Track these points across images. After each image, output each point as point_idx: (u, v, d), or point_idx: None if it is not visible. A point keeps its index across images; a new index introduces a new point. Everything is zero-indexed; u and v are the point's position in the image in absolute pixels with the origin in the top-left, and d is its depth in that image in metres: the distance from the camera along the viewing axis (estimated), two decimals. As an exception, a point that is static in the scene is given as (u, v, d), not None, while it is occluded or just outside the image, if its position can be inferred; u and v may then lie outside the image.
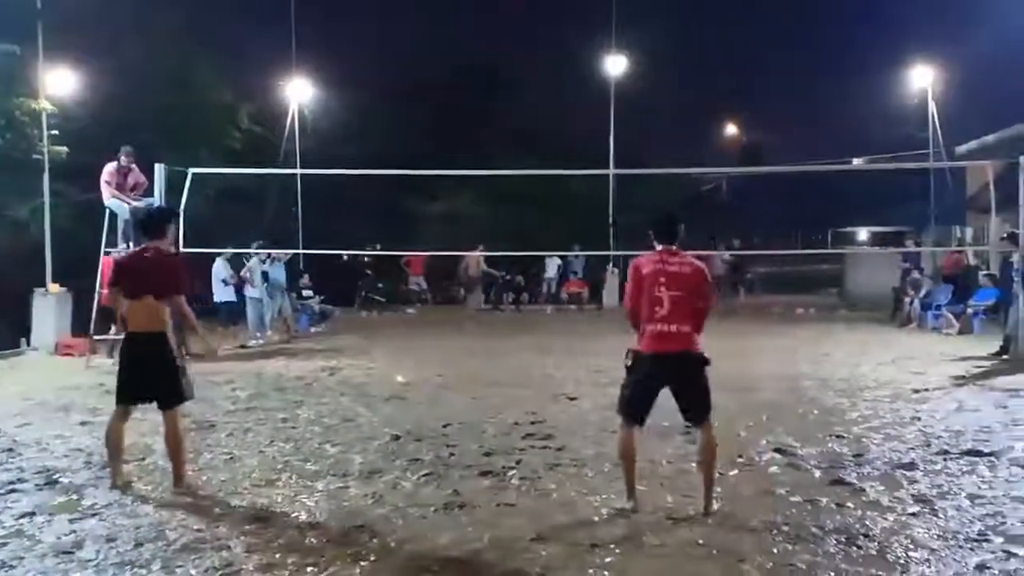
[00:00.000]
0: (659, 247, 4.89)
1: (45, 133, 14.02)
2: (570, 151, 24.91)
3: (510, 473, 5.66)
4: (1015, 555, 4.15)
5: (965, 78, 25.48)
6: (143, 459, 6.00)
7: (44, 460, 6.08)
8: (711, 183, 38.02)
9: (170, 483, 5.40)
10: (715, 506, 4.80)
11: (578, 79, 27.15)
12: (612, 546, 4.27)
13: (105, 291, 5.59)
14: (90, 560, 4.17)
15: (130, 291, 5.32)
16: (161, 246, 5.46)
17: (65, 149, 14.39)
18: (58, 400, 8.49)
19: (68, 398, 8.59)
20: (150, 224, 5.58)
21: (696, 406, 4.82)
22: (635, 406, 4.82)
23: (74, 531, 4.58)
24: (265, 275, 14.32)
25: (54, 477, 5.63)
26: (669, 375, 4.75)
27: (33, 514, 4.86)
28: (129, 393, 5.36)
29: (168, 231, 5.52)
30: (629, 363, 4.83)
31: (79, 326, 12.55)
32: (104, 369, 10.70)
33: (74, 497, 5.19)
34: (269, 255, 14.76)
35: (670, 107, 34.12)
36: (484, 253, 21.28)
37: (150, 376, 5.27)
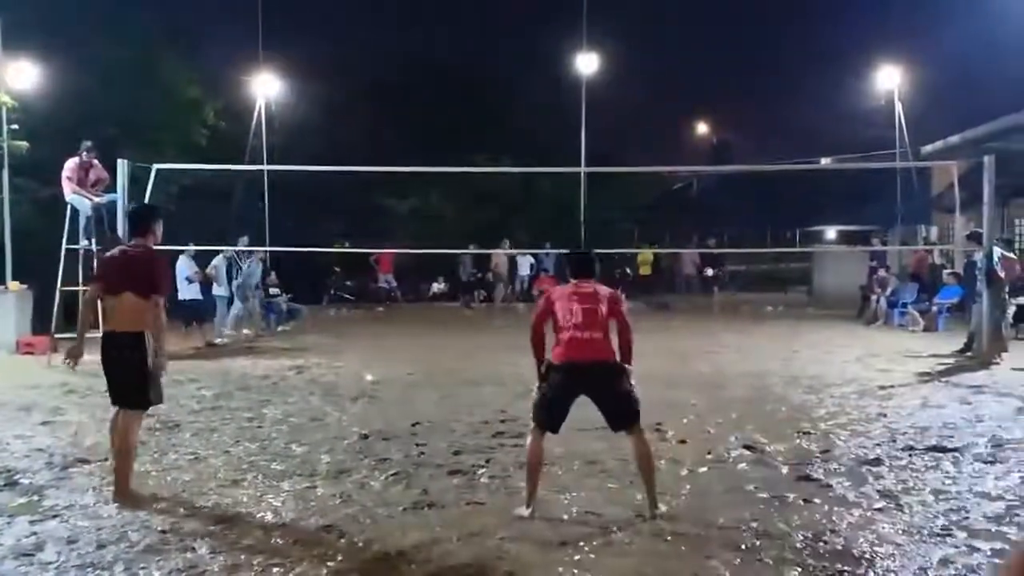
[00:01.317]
0: (574, 281, 4.94)
1: (5, 127, 13.73)
2: (542, 149, 24.93)
3: (480, 472, 5.64)
4: (978, 549, 4.20)
5: (931, 79, 25.92)
6: (105, 459, 5.89)
7: (4, 461, 5.95)
8: (682, 182, 38.29)
9: (137, 484, 5.23)
10: (662, 507, 4.73)
11: (551, 78, 27.21)
12: (581, 544, 4.26)
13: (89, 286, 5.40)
14: (51, 562, 4.09)
15: (111, 287, 5.17)
16: (148, 243, 5.33)
17: (26, 144, 14.10)
18: (19, 400, 8.31)
19: (29, 398, 8.42)
20: (136, 221, 5.45)
21: (616, 413, 4.75)
22: (547, 416, 4.77)
23: (35, 533, 4.48)
24: (232, 272, 14.17)
25: (14, 478, 5.51)
26: (583, 384, 4.70)
27: (-9, 516, 4.76)
28: (114, 397, 5.17)
29: (155, 229, 5.37)
30: (543, 371, 4.81)
31: (41, 324, 12.32)
32: (66, 368, 10.48)
33: (35, 498, 5.08)
34: (250, 254, 14.65)
35: (642, 106, 34.31)
36: (511, 251, 21.25)
37: (121, 377, 5.07)
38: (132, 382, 5.02)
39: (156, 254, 5.37)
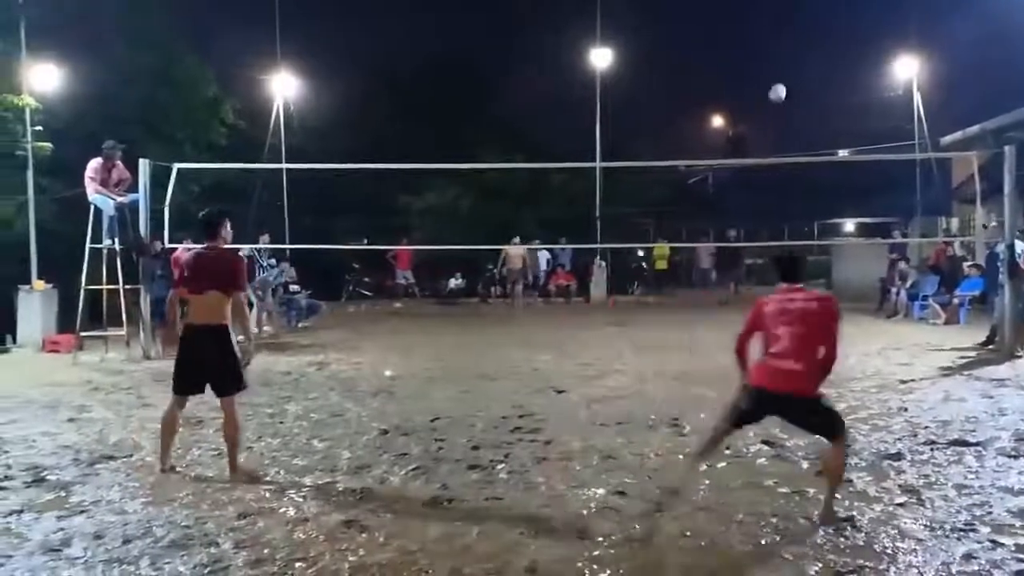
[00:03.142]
0: (783, 285, 4.75)
1: (29, 129, 13.90)
2: (557, 144, 24.92)
3: (498, 467, 5.66)
4: (1001, 544, 4.18)
5: (950, 69, 25.62)
6: (131, 456, 5.98)
7: (31, 457, 6.04)
8: (698, 176, 38.09)
9: (156, 480, 5.41)
10: (839, 513, 4.61)
11: (565, 73, 27.18)
12: (600, 539, 4.28)
13: (174, 291, 5.97)
14: (78, 557, 4.15)
15: (195, 287, 5.53)
16: (219, 245, 5.69)
17: (49, 145, 14.27)
18: (45, 397, 8.43)
19: (55, 395, 8.53)
20: (206, 226, 5.78)
21: (814, 431, 4.79)
22: (736, 419, 4.79)
23: (62, 528, 4.55)
24: (251, 271, 14.30)
25: (41, 474, 5.59)
26: (774, 410, 4.65)
27: (21, 512, 4.83)
28: (187, 382, 5.56)
29: (221, 232, 5.72)
30: (742, 386, 4.78)
31: (66, 323, 12.48)
32: (91, 366, 10.67)
33: (62, 494, 5.16)
34: (272, 255, 14.83)
35: (656, 100, 34.19)
36: (527, 246, 20.89)
37: (212, 366, 5.46)
38: (224, 369, 5.45)
39: (233, 254, 5.87)
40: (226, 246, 5.82)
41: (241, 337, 5.54)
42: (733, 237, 25.52)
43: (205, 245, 5.72)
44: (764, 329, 4.68)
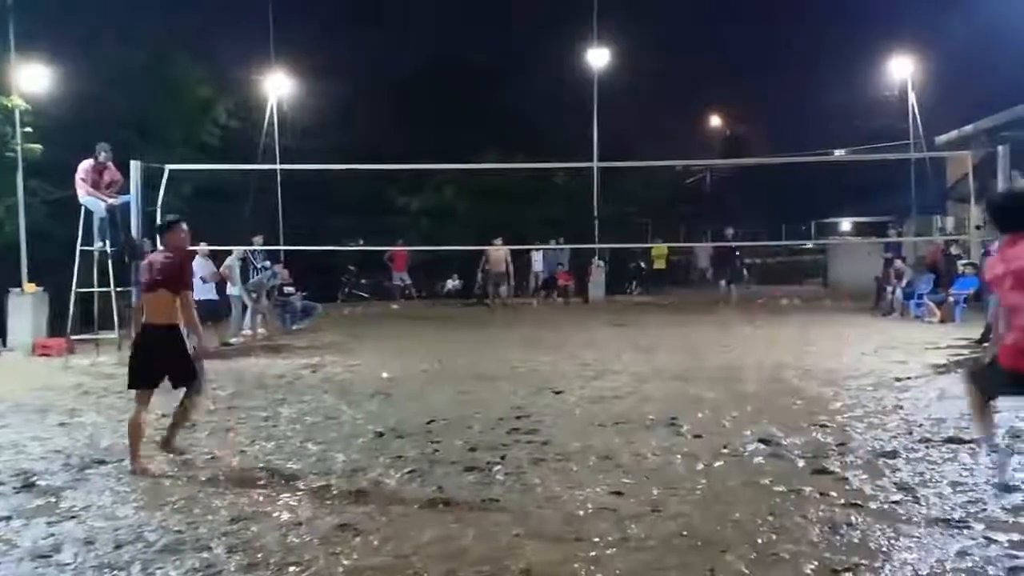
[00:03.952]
0: (1003, 236, 3.85)
1: (18, 130, 13.81)
2: (554, 144, 24.90)
3: (495, 468, 5.62)
4: (996, 541, 4.16)
5: (944, 69, 25.68)
6: (122, 460, 5.93)
7: (21, 462, 5.99)
8: (695, 175, 38.13)
9: (148, 484, 5.39)
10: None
11: (562, 73, 27.18)
12: (596, 540, 4.25)
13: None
14: (68, 563, 4.11)
15: (146, 287, 5.90)
16: (170, 248, 6.09)
17: (39, 147, 14.18)
18: (35, 401, 8.39)
19: (46, 399, 8.49)
20: (159, 232, 6.30)
21: None
22: (988, 392, 4.24)
23: (52, 534, 4.51)
24: (245, 272, 14.23)
25: (31, 480, 5.54)
26: None
27: (10, 518, 4.78)
28: (144, 379, 5.79)
29: (168, 238, 6.12)
30: (989, 359, 4.18)
31: (56, 326, 12.41)
32: (82, 369, 10.62)
33: (52, 500, 5.11)
34: (267, 256, 14.77)
35: (653, 100, 34.20)
36: (509, 247, 20.16)
37: (166, 362, 5.76)
38: (178, 364, 5.79)
39: (181, 257, 6.16)
40: (181, 249, 6.17)
41: (193, 338, 5.90)
42: (731, 236, 25.42)
43: (161, 249, 6.09)
44: (1000, 296, 3.87)
